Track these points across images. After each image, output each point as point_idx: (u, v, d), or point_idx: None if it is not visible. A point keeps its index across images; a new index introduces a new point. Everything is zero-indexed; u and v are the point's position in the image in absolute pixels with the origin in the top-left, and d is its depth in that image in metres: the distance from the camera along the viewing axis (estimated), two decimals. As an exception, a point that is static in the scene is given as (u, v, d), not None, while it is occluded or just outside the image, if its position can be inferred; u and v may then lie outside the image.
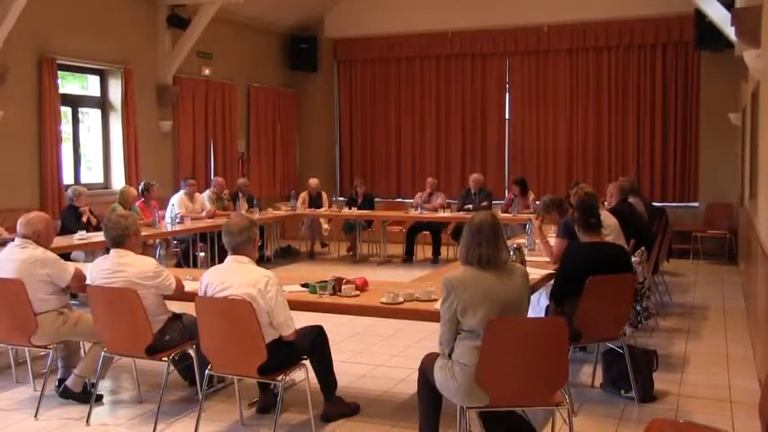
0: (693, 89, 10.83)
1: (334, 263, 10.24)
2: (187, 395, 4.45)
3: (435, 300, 3.78)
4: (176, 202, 8.77)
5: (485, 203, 9.78)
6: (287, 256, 10.66)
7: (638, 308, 4.94)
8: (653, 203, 9.17)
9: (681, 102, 10.93)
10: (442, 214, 9.90)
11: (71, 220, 7.37)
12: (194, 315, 3.82)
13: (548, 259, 5.17)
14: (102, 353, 4.12)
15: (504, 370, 3.11)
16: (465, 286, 3.14)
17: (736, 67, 8.11)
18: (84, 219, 7.42)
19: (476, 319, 3.11)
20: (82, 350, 4.61)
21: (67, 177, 8.75)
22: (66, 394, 4.33)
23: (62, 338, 4.34)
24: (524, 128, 11.82)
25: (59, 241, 6.29)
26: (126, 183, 9.06)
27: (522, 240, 6.00)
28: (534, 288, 4.39)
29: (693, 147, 10.89)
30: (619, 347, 4.35)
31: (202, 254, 8.84)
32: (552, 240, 5.29)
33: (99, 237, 6.64)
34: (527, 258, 4.78)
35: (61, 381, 4.40)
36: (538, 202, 6.09)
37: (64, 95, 8.83)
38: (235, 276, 3.63)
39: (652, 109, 11.09)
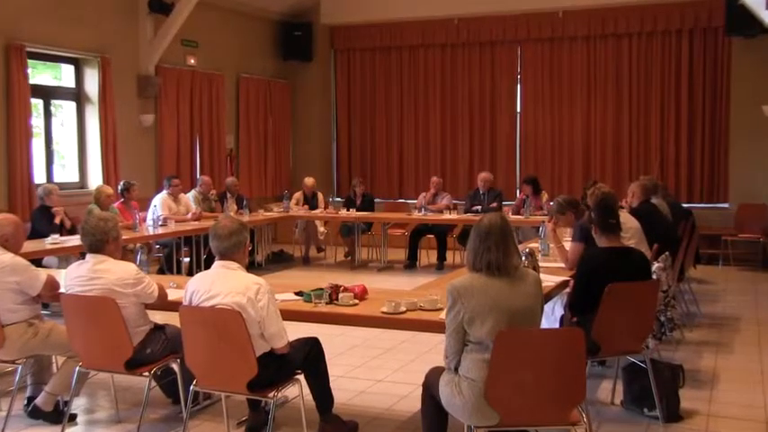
0: (723, 79, 10.83)
1: (330, 269, 10.23)
2: (170, 413, 4.45)
3: (440, 309, 3.79)
4: (159, 203, 8.78)
5: (494, 204, 9.79)
6: (279, 261, 10.67)
7: (662, 318, 4.94)
8: (680, 204, 9.17)
9: (709, 93, 10.94)
10: (447, 216, 9.90)
11: (42, 221, 7.37)
12: (178, 326, 3.82)
13: (562, 265, 5.18)
14: (77, 368, 4.12)
15: (515, 386, 3.11)
16: (472, 294, 3.15)
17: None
18: (58, 220, 7.43)
19: (484, 329, 3.12)
20: (54, 365, 4.61)
21: (39, 176, 8.76)
22: (35, 414, 4.33)
23: (32, 352, 4.33)
24: (537, 122, 11.83)
25: (30, 245, 6.28)
26: (104, 182, 9.06)
27: (534, 244, 6.01)
28: (548, 296, 4.39)
29: (723, 142, 10.90)
30: (641, 362, 4.34)
31: (187, 259, 8.84)
32: (568, 245, 5.30)
33: (74, 241, 6.65)
34: (540, 264, 4.78)
35: (30, 399, 4.40)
36: (551, 203, 6.10)
37: (35, 87, 8.84)
38: (223, 284, 3.63)
39: (677, 101, 11.10)
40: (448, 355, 3.24)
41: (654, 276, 4.65)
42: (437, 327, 3.61)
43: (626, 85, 11.33)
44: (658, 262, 5.06)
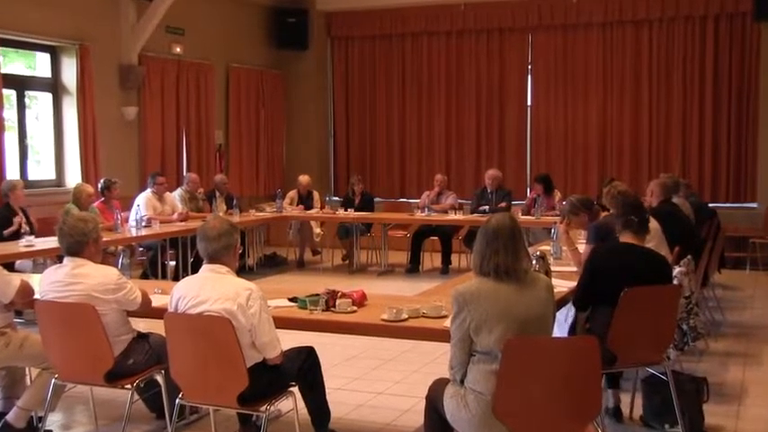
0: (751, 69, 10.83)
1: (327, 273, 10.24)
2: (154, 429, 4.46)
3: (445, 316, 3.79)
4: (142, 202, 8.78)
5: (503, 204, 9.80)
6: (272, 265, 10.67)
7: (685, 327, 4.94)
8: (705, 203, 9.17)
9: (736, 84, 10.94)
10: (452, 217, 9.91)
11: (2, 222, 7.37)
12: (163, 334, 3.83)
13: (575, 269, 5.18)
14: (53, 380, 4.11)
15: (525, 398, 3.12)
16: (479, 300, 3.16)
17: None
18: (15, 228, 7.38)
19: (492, 338, 3.13)
20: (27, 378, 4.61)
21: (11, 173, 8.75)
22: (6, 431, 4.33)
23: (4, 364, 4.32)
24: (549, 116, 11.83)
25: (1, 248, 6.28)
26: (83, 179, 9.07)
27: (546, 247, 6.01)
28: (561, 302, 4.39)
29: (751, 138, 10.90)
30: (662, 373, 4.35)
31: (173, 263, 8.84)
32: (582, 247, 5.30)
33: (51, 243, 6.65)
34: (552, 268, 4.78)
35: (1, 415, 4.38)
36: (564, 203, 6.10)
37: (6, 76, 8.84)
38: (211, 289, 3.64)
39: (701, 93, 11.10)
40: (453, 365, 3.25)
41: (675, 281, 4.65)
42: (441, 335, 3.61)
43: (645, 76, 11.33)
44: (680, 266, 5.06)
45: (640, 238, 4.37)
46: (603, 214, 5.60)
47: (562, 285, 4.63)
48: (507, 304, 3.16)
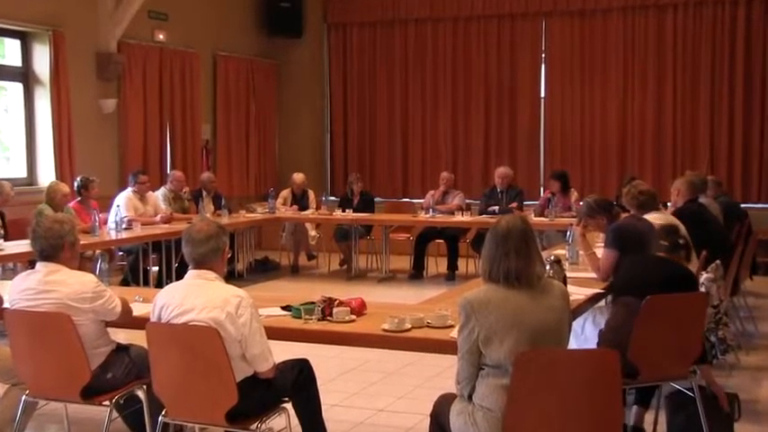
0: (786, 57, 10.85)
1: (323, 279, 10.25)
2: (134, 449, 4.45)
3: (451, 326, 3.79)
4: (122, 202, 8.78)
5: (514, 204, 9.80)
6: (264, 270, 10.68)
7: (713, 339, 4.95)
8: (737, 203, 9.15)
9: (770, 74, 10.95)
10: (459, 218, 9.90)
11: None
12: (145, 346, 3.82)
13: (593, 275, 5.18)
14: (23, 396, 4.11)
15: (538, 416, 3.11)
16: (488, 309, 3.16)
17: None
18: None
19: (502, 350, 3.13)
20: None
21: (-20, 171, 8.78)
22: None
23: (-30, 379, 4.33)
24: (565, 109, 11.85)
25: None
26: (57, 178, 9.06)
27: (561, 251, 6.00)
28: (577, 311, 4.39)
29: (786, 132, 10.92)
30: (688, 389, 4.34)
31: (156, 268, 8.85)
32: (600, 251, 5.30)
33: (22, 246, 6.65)
34: (568, 274, 4.78)
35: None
36: (581, 204, 6.10)
37: (-26, 66, 8.86)
38: (198, 296, 3.64)
39: (731, 83, 11.10)
40: (460, 380, 3.25)
41: (702, 288, 4.66)
42: (447, 347, 3.61)
43: (670, 65, 11.33)
44: (707, 272, 5.06)
45: (676, 255, 4.41)
46: (624, 215, 5.60)
47: (579, 293, 4.63)
48: (519, 313, 3.16)
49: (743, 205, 9.86)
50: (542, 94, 12.03)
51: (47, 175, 9.42)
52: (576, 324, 4.79)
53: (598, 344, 4.40)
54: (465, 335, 3.19)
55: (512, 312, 3.16)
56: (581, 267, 5.57)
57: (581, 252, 5.60)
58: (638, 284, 4.25)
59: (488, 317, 3.15)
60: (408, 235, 10.67)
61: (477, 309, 3.17)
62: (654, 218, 5.29)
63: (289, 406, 3.88)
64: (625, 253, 4.86)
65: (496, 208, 9.79)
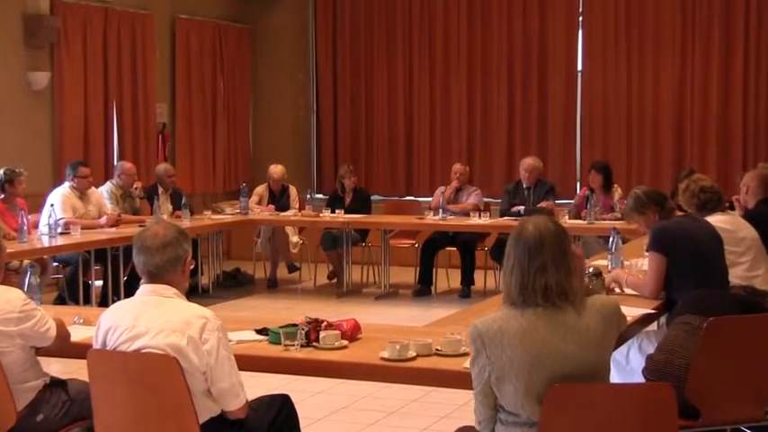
0: None
1: (307, 297, 10.24)
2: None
3: (466, 354, 3.75)
4: (58, 201, 8.77)
5: (543, 204, 9.78)
6: (234, 285, 10.69)
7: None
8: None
9: None
10: (476, 221, 9.88)
11: None
12: (86, 380, 3.80)
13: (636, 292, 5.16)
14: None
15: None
16: (501, 344, 3.13)
17: None
18: None
19: (518, 397, 3.12)
20: None
21: None
22: None
23: None
24: (607, 86, 11.84)
25: None
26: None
27: (602, 262, 5.97)
28: (621, 337, 4.37)
29: None
30: (762, 433, 4.34)
31: (99, 283, 8.82)
32: (640, 261, 5.30)
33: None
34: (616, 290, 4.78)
35: None
36: (626, 201, 6.07)
37: None
38: (152, 317, 3.62)
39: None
40: (479, 420, 3.26)
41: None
42: (460, 380, 3.58)
43: (740, 29, 11.26)
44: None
45: None
46: (678, 215, 5.57)
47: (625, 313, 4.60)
48: (541, 351, 3.12)
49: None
50: (579, 68, 12.03)
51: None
52: (619, 353, 4.77)
53: (644, 370, 4.38)
54: (476, 372, 3.20)
55: (530, 349, 3.12)
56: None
57: (627, 263, 5.57)
58: (711, 301, 4.21)
59: (501, 354, 3.13)
60: (413, 241, 10.67)
61: (489, 343, 3.15)
62: (717, 221, 5.27)
63: (265, 453, 3.86)
64: (674, 258, 4.84)
65: (522, 208, 9.78)
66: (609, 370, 3.35)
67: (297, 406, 4.01)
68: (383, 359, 3.86)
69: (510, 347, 3.13)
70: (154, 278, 3.71)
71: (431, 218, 10.11)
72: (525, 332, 3.14)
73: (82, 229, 8.52)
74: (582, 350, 3.16)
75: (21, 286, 5.01)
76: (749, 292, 4.53)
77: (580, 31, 12.02)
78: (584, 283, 4.02)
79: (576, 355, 3.15)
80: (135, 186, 9.81)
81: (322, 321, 4.16)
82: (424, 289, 10.18)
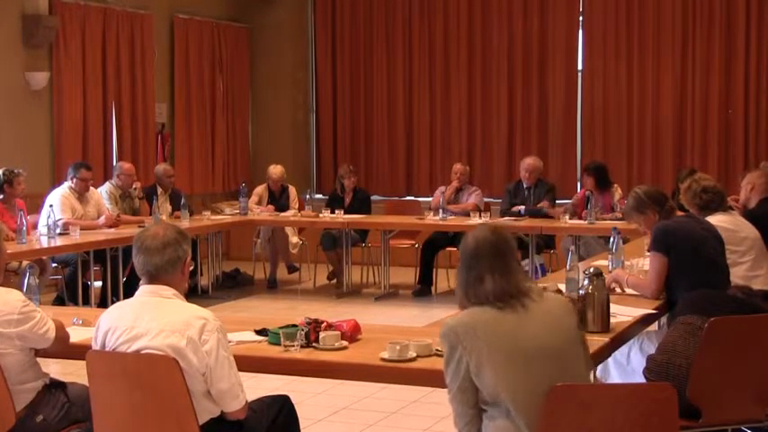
0: None
1: (307, 297, 10.25)
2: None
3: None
4: (57, 201, 8.77)
5: (543, 203, 9.79)
6: (234, 286, 10.70)
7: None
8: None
9: None
10: (476, 221, 9.87)
11: None
12: (85, 382, 3.80)
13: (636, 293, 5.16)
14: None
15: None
16: (476, 333, 3.20)
17: None
18: None
19: (497, 381, 3.14)
20: None
21: None
22: None
23: None
24: (608, 85, 11.84)
25: None
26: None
27: (602, 262, 5.97)
28: (623, 337, 4.38)
29: None
30: (762, 434, 4.34)
31: (98, 283, 8.82)
32: (641, 262, 5.29)
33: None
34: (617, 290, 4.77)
35: None
36: (626, 201, 6.07)
37: None
38: (152, 318, 3.63)
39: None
40: (459, 426, 3.28)
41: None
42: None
43: (741, 29, 11.26)
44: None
45: None
46: (680, 215, 5.57)
47: (624, 314, 4.61)
48: (511, 335, 3.20)
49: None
50: (580, 68, 12.04)
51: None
52: (620, 353, 4.78)
53: (645, 370, 4.39)
54: (453, 369, 3.23)
55: (503, 334, 3.20)
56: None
57: (627, 263, 5.57)
58: (710, 302, 4.22)
59: (476, 341, 3.18)
60: (413, 242, 10.67)
61: (463, 335, 3.21)
62: (719, 221, 5.27)
63: (265, 454, 3.86)
64: (675, 258, 4.85)
65: (522, 208, 9.79)
66: (579, 360, 3.38)
67: (297, 407, 4.02)
68: (383, 360, 3.87)
69: (484, 334, 3.20)
70: (153, 279, 3.72)
71: (431, 218, 10.11)
72: (496, 320, 3.24)
73: (81, 229, 8.52)
74: (548, 332, 3.27)
75: (20, 287, 5.02)
76: (746, 293, 4.52)
77: (580, 31, 12.02)
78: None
79: (544, 335, 3.26)
80: (134, 187, 9.81)
81: (322, 322, 4.17)
82: (424, 289, 10.20)
